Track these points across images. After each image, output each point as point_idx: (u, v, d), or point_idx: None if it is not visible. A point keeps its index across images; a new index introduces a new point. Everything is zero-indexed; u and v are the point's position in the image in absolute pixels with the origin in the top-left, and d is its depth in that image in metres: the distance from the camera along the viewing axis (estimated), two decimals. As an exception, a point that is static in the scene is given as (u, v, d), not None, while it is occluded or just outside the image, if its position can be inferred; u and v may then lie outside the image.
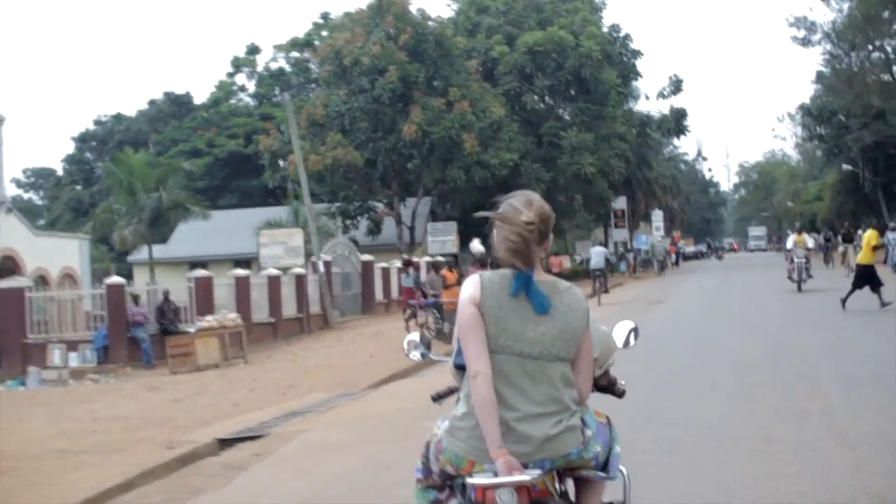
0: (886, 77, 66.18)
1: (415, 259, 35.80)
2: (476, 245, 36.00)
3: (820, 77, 73.59)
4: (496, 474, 3.61)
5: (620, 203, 67.56)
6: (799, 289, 29.22)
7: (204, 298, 24.74)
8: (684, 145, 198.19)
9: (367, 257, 37.22)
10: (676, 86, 54.73)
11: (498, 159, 45.15)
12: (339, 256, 35.44)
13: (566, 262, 45.43)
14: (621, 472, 4.11)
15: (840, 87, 68.45)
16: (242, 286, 26.67)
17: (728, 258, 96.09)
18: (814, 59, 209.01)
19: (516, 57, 48.84)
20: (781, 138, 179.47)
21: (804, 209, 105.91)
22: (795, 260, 30.27)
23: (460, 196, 49.54)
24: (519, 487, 3.58)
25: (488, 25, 51.62)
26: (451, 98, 45.26)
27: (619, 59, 54.29)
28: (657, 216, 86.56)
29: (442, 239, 44.10)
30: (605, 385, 4.52)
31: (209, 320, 22.08)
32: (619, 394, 4.57)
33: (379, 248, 48.36)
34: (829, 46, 66.08)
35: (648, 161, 74.28)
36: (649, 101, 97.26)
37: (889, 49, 62.88)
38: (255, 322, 26.83)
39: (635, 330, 4.68)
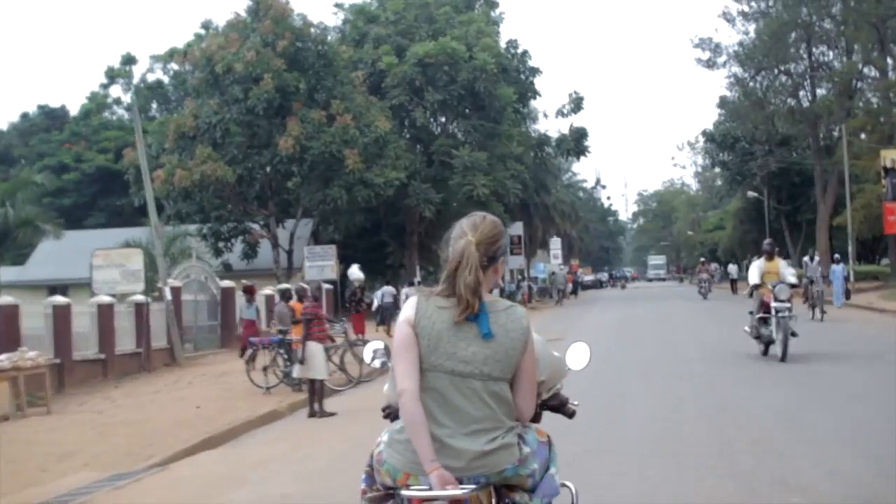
0: (792, 102, 64.24)
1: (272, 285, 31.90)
2: (354, 272, 32.24)
3: (724, 102, 71.50)
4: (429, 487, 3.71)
5: (517, 229, 64.22)
6: (782, 357, 17.84)
7: (6, 331, 20.29)
8: (583, 171, 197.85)
9: (227, 283, 32.92)
10: (577, 104, 51.47)
11: (383, 178, 41.42)
12: (193, 282, 31.12)
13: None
14: (569, 488, 4.27)
15: (745, 112, 66.34)
16: (62, 317, 22.26)
17: (629, 287, 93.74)
18: (717, 84, 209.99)
19: (405, 69, 45.27)
20: (681, 167, 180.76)
21: (705, 238, 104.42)
22: (774, 305, 18.06)
23: (344, 217, 45.79)
24: (452, 502, 3.64)
25: (376, 35, 48.02)
26: (333, 111, 41.52)
27: (516, 76, 51.15)
28: (555, 243, 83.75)
29: (320, 264, 40.08)
30: (556, 405, 4.55)
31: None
32: (570, 414, 4.59)
33: (255, 273, 44.30)
34: (734, 69, 63.90)
35: (547, 185, 71.32)
36: (548, 120, 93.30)
37: (795, 73, 60.81)
38: (77, 360, 22.46)
39: (588, 352, 4.67)
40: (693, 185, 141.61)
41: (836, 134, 61.97)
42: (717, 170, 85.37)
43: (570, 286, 63.94)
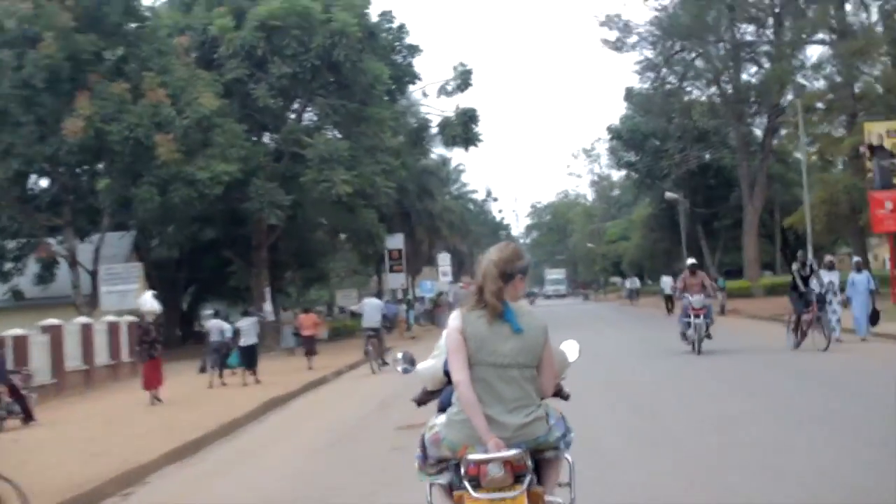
0: (712, 91, 55.66)
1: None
2: (147, 300, 22.62)
3: (630, 94, 62.70)
4: (486, 453, 4.86)
5: (397, 242, 54.50)
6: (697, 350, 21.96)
7: None
8: (473, 182, 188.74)
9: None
10: (464, 79, 41.06)
11: (208, 172, 31.10)
12: None
13: (319, 322, 31.15)
14: (567, 459, 5.41)
15: (657, 103, 57.56)
16: None
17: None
18: (622, 78, 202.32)
19: (244, 35, 34.94)
20: (577, 176, 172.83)
21: (607, 251, 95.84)
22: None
23: (173, 227, 35.50)
24: (505, 462, 4.83)
25: (211, -4, 37.64)
26: (145, 86, 31.13)
27: (388, 54, 41.16)
28: (444, 259, 74.25)
29: (121, 289, 29.79)
30: (557, 391, 5.69)
31: None
32: (566, 397, 5.80)
33: (50, 303, 33.70)
34: (646, 52, 54.92)
35: (431, 191, 61.53)
36: (428, 100, 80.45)
37: (716, 56, 52.06)
38: None
39: (577, 346, 5.94)
40: (589, 195, 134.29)
41: (766, 123, 53.65)
42: (623, 172, 75.98)
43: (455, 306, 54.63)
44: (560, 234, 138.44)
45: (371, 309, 26.81)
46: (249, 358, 24.30)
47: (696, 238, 65.23)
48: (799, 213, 40.01)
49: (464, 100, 42.49)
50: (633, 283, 66.99)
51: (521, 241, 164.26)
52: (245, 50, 35.04)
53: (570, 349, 5.86)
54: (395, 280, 55.75)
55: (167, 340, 46.62)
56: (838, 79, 38.76)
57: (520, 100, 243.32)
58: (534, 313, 5.22)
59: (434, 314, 53.47)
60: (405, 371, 6.04)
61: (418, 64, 43.60)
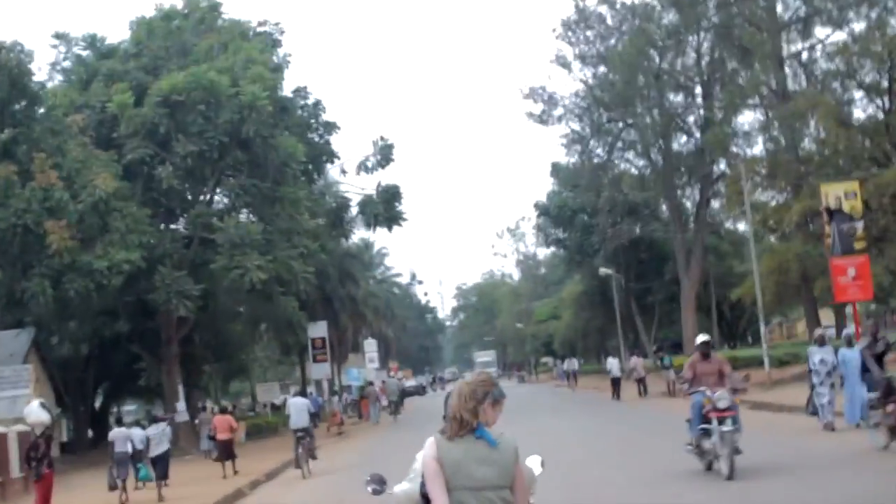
0: (642, 163, 54.05)
1: None
2: (34, 410, 19.60)
3: (557, 168, 61.01)
4: None
5: (320, 330, 51.59)
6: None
7: None
8: (397, 266, 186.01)
9: None
10: (385, 154, 38.32)
11: (107, 261, 28.11)
12: None
13: (235, 426, 27.86)
14: None
15: (585, 176, 55.81)
16: None
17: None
18: (546, 153, 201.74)
19: (145, 112, 32.23)
20: (502, 255, 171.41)
21: (537, 330, 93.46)
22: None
23: (73, 322, 32.43)
24: None
25: (110, 71, 34.91)
26: (36, 168, 28.22)
27: (304, 129, 38.74)
28: (370, 345, 71.57)
29: (10, 394, 26.57)
30: None
31: None
32: None
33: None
34: (571, 125, 53.17)
35: (354, 275, 58.86)
36: (347, 177, 76.01)
37: (642, 125, 50.42)
38: None
39: (542, 461, 6.25)
40: (515, 274, 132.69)
41: (698, 194, 52.02)
42: (551, 249, 73.86)
43: (383, 398, 50.96)
44: (487, 316, 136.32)
45: (298, 409, 24.68)
46: (161, 469, 21.31)
47: (630, 314, 63.29)
48: (747, 285, 38.03)
49: (385, 176, 40.53)
50: (570, 364, 63.50)
51: (448, 323, 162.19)
52: (146, 128, 32.32)
53: (534, 463, 6.08)
54: (320, 370, 52.64)
55: (76, 445, 43.28)
56: (782, 142, 37.00)
57: (442, 177, 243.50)
58: (504, 435, 5.37)
59: (360, 406, 50.18)
60: (375, 492, 6.13)
61: (336, 142, 41.04)
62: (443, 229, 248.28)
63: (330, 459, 26.18)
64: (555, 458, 16.77)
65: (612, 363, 39.76)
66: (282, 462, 26.04)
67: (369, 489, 6.08)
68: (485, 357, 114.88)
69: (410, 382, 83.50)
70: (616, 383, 38.19)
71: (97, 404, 49.68)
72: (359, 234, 57.72)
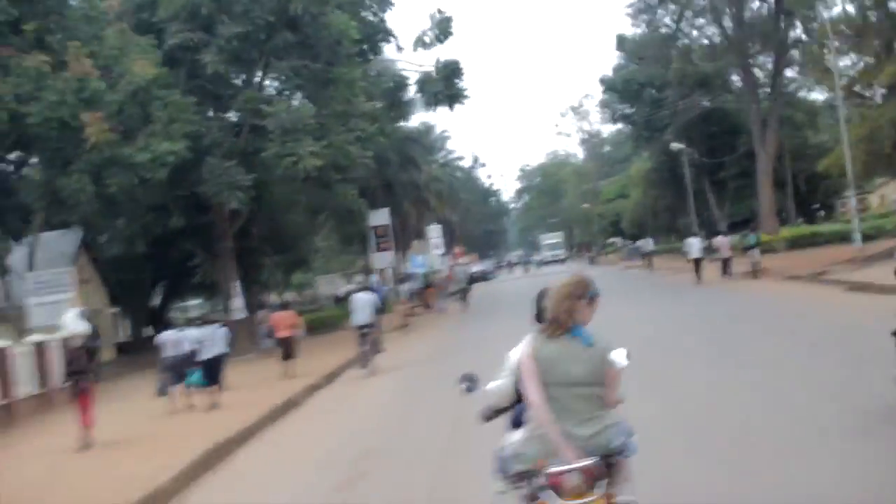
0: (713, 31, 50.92)
1: None
2: (70, 320, 18.43)
3: (623, 41, 57.92)
4: (564, 464, 5.26)
5: (381, 217, 49.89)
6: None
7: None
8: (459, 148, 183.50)
9: None
10: (443, 28, 35.83)
11: (149, 153, 26.37)
12: None
13: (296, 321, 26.08)
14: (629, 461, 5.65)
15: (652, 48, 52.83)
16: None
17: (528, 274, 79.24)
18: (611, 27, 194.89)
19: (187, -8, 30.12)
20: (566, 135, 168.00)
21: (605, 210, 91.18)
22: None
23: (120, 220, 30.98)
24: (581, 470, 5.23)
25: (146, -48, 32.70)
26: (67, 58, 26.34)
27: (356, 6, 36.31)
28: (434, 230, 69.81)
29: (52, 299, 25.09)
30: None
31: None
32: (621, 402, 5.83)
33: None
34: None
35: (415, 160, 56.87)
36: (403, 53, 69.86)
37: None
38: None
39: (629, 353, 5.84)
40: (580, 153, 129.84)
41: (773, 60, 48.92)
42: (618, 126, 70.93)
43: (450, 286, 49.16)
44: (552, 197, 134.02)
45: (362, 305, 22.58)
46: (213, 373, 19.77)
47: (702, 191, 60.78)
48: (834, 155, 35.41)
49: (444, 52, 38.31)
50: (645, 244, 57.80)
51: (512, 206, 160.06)
52: (187, 10, 30.21)
53: (620, 356, 5.85)
54: (383, 259, 51.10)
55: (133, 345, 42.36)
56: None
57: (503, 54, 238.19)
58: (599, 333, 5.55)
59: (426, 295, 48.25)
60: (468, 390, 6.34)
61: (391, 19, 38.63)
62: (505, 109, 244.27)
63: (396, 354, 24.59)
64: (647, 356, 15.16)
65: (693, 243, 36.66)
66: (346, 359, 24.54)
67: (462, 386, 6.30)
68: (552, 239, 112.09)
69: (476, 267, 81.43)
70: (697, 264, 35.54)
71: (157, 303, 48.75)
72: (419, 118, 55.75)
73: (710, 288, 31.73)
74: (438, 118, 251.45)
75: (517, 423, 5.90)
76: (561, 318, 5.48)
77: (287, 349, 23.57)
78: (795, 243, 44.53)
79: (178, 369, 19.93)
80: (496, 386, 5.98)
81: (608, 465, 5.43)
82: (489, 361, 7.07)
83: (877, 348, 11.03)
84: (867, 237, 38.64)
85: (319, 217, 41.96)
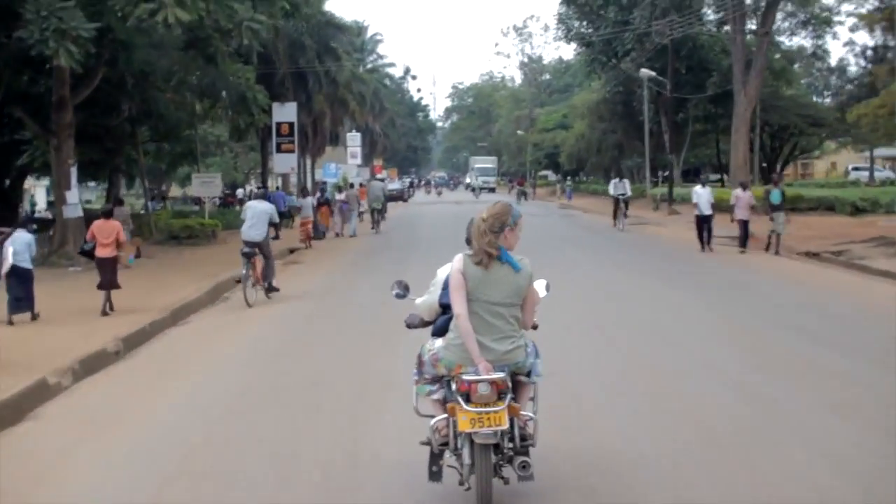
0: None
1: None
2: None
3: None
4: (477, 374, 5.83)
5: (288, 113, 42.11)
6: None
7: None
8: (391, 56, 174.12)
9: None
10: None
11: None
12: None
13: (122, 238, 18.21)
14: (535, 381, 6.35)
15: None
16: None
17: (452, 196, 71.29)
18: None
19: None
20: (505, 55, 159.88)
21: (541, 140, 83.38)
22: None
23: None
24: (492, 381, 5.78)
25: None
26: None
27: None
28: (354, 138, 61.91)
29: None
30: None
31: None
32: (535, 327, 6.57)
33: None
34: None
35: (335, 51, 48.46)
36: None
37: None
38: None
39: (548, 285, 6.77)
40: (518, 78, 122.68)
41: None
42: (573, 49, 62.29)
43: (362, 204, 40.72)
44: (483, 119, 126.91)
45: (255, 216, 17.74)
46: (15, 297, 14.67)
47: (658, 131, 53.65)
48: (878, 101, 28.29)
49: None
50: (619, 187, 38.26)
51: (440, 124, 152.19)
52: None
53: (540, 287, 6.57)
54: (285, 162, 43.22)
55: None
56: None
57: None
58: (524, 259, 6.04)
59: (318, 215, 36.84)
60: (398, 296, 6.93)
61: None
62: (444, 22, 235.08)
63: (285, 283, 18.69)
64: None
65: (702, 194, 25.10)
66: (213, 285, 18.63)
67: (393, 293, 6.90)
68: (485, 163, 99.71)
69: (394, 185, 73.15)
70: (704, 224, 24.79)
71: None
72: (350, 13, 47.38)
73: (730, 267, 21.33)
74: (372, 19, 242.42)
75: (439, 332, 6.39)
76: (486, 250, 5.93)
77: (105, 276, 15.91)
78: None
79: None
80: (423, 301, 6.69)
81: (515, 381, 6.11)
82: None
83: None
84: (858, 210, 33.11)
85: (204, 100, 33.66)
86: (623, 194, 34.84)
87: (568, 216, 45.48)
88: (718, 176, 55.46)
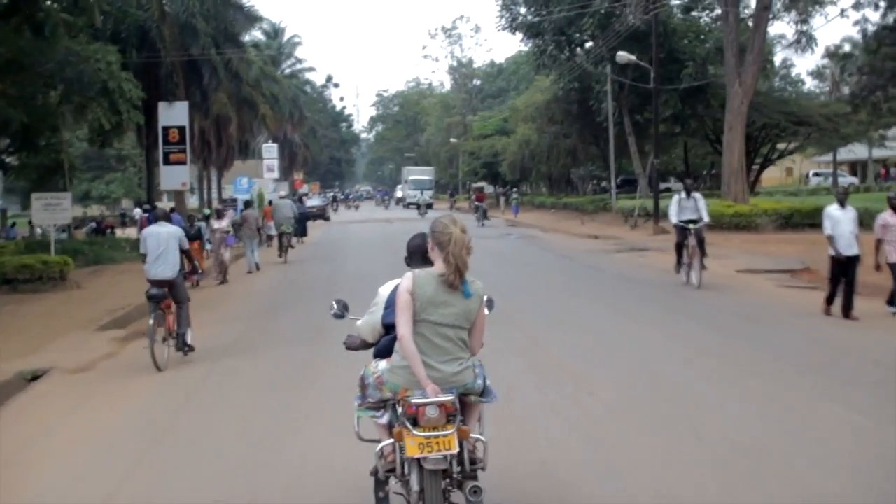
0: None
1: None
2: None
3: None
4: (425, 397, 5.35)
5: (177, 115, 33.82)
6: None
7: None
8: (310, 58, 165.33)
9: None
10: None
11: None
12: None
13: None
14: (482, 403, 5.89)
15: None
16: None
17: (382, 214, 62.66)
18: None
19: None
20: (433, 59, 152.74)
21: (478, 147, 75.15)
22: None
23: None
24: (440, 404, 5.32)
25: None
26: None
27: None
28: (270, 149, 53.66)
29: None
30: None
31: None
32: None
33: None
34: None
35: (235, 38, 40.03)
36: None
37: None
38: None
39: (490, 301, 6.13)
40: (447, 83, 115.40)
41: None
42: (521, 38, 53.83)
43: (269, 226, 32.08)
44: (410, 128, 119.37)
45: (160, 244, 12.80)
46: None
47: (621, 133, 46.05)
48: None
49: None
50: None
51: (364, 135, 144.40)
52: None
53: (486, 306, 6.04)
54: (172, 175, 34.57)
55: None
56: None
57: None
58: (476, 283, 5.65)
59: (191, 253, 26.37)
60: (337, 316, 6.63)
61: None
62: (364, 27, 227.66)
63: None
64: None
65: (840, 218, 14.27)
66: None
67: (331, 313, 6.60)
68: (421, 175, 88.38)
69: (314, 201, 63.86)
70: (844, 273, 14.13)
71: None
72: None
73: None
74: (290, 22, 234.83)
75: (382, 354, 6.02)
76: (461, 269, 5.50)
77: None
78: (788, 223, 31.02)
79: None
80: (364, 322, 6.24)
81: (463, 403, 5.64)
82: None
83: None
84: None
85: (52, 92, 25.13)
86: (696, 221, 18.94)
87: (528, 238, 36.38)
88: (680, 183, 47.99)
